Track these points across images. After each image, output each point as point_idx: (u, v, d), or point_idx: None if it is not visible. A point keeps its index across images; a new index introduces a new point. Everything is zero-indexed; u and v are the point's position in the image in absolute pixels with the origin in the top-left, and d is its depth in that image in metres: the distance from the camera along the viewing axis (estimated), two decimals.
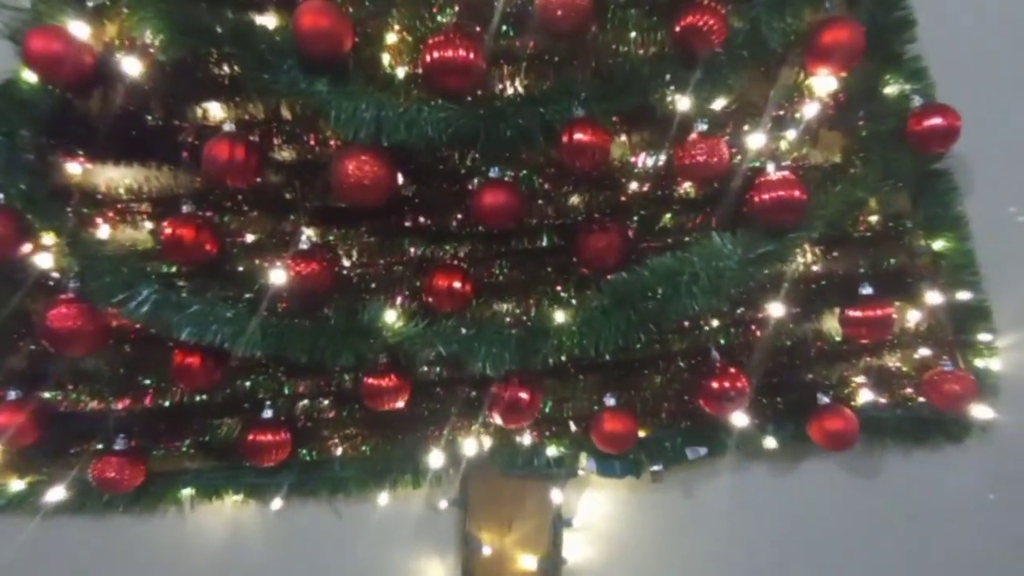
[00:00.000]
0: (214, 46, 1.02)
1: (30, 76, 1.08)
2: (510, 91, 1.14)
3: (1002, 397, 1.35)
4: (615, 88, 1.07)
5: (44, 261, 1.15)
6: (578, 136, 1.07)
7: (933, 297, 1.28)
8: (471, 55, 1.05)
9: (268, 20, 1.11)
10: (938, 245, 1.29)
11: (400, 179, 1.16)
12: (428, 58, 1.05)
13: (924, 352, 1.32)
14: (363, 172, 1.07)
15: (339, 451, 1.31)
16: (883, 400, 1.34)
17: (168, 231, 1.11)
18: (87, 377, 1.24)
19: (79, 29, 1.06)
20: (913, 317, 1.32)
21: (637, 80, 1.07)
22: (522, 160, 1.16)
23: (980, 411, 1.32)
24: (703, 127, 1.12)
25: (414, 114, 1.04)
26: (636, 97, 1.07)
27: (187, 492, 1.33)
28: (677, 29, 1.07)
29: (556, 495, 1.36)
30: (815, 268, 1.28)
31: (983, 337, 1.31)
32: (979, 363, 1.32)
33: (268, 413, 1.24)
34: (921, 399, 1.33)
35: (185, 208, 1.14)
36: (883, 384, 1.34)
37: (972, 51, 1.34)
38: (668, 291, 1.13)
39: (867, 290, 1.24)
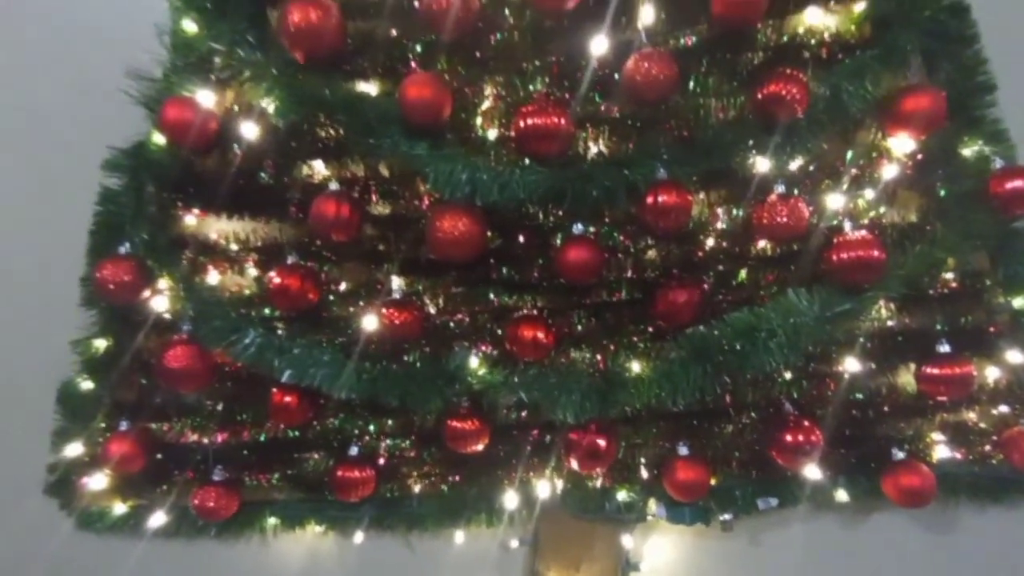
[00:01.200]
0: (325, 113, 1.12)
1: (159, 139, 1.20)
2: (595, 152, 1.21)
3: None
4: (697, 152, 1.12)
5: (161, 304, 1.26)
6: (662, 198, 1.12)
7: (1014, 356, 1.28)
8: (561, 121, 1.12)
9: (371, 87, 1.21)
10: (1019, 303, 1.29)
11: (488, 234, 1.24)
12: (521, 124, 1.12)
13: (1003, 409, 1.32)
14: (457, 229, 1.14)
15: (418, 489, 1.37)
16: (959, 456, 1.34)
17: (277, 280, 1.21)
18: (190, 411, 1.34)
19: (205, 97, 1.17)
20: (992, 374, 1.31)
21: (719, 145, 1.12)
22: (604, 216, 1.22)
23: None
24: (781, 187, 1.16)
25: (506, 177, 1.11)
26: (718, 161, 1.12)
27: (272, 521, 1.41)
28: (760, 96, 1.11)
29: (625, 539, 1.40)
30: (891, 323, 1.29)
31: None
32: None
33: (354, 451, 1.32)
34: (999, 457, 1.33)
35: (290, 259, 1.23)
36: (960, 440, 1.34)
37: None
38: (746, 346, 1.16)
39: (944, 347, 1.25)
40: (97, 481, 1.33)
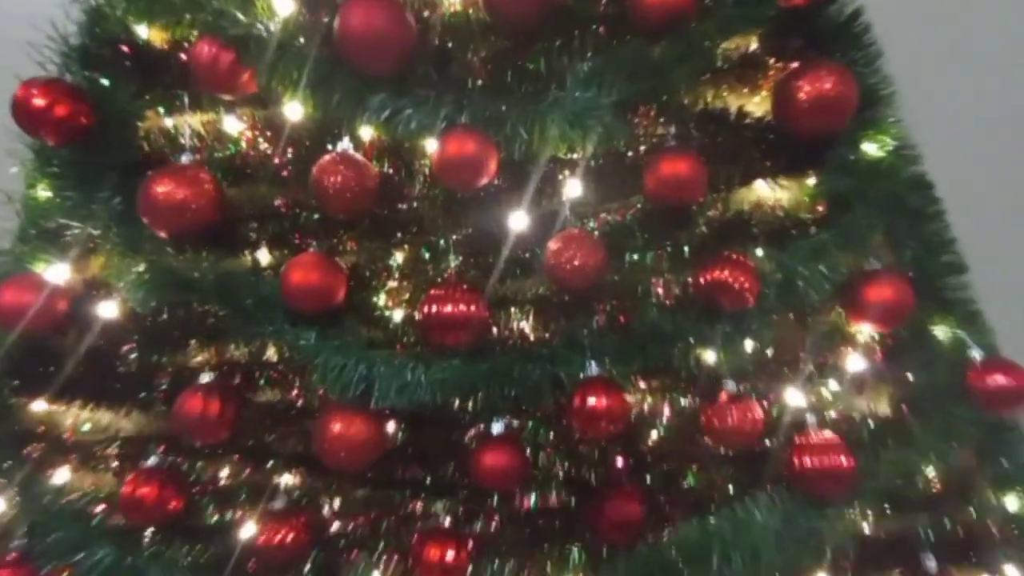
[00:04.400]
0: (195, 298, 0.96)
1: None
2: (515, 337, 1.06)
3: None
4: (634, 343, 0.97)
5: None
6: (591, 400, 0.95)
7: (1012, 570, 1.11)
8: (472, 308, 0.96)
9: (262, 257, 1.06)
10: (1013, 505, 1.13)
11: (391, 428, 1.06)
12: (428, 311, 0.96)
13: None
14: (350, 434, 0.96)
15: None
16: None
17: (128, 489, 0.99)
18: None
19: (58, 272, 1.01)
20: None
21: (659, 335, 0.96)
22: (528, 411, 1.05)
23: None
24: (731, 384, 1.01)
25: (407, 375, 0.94)
26: (657, 354, 0.96)
27: None
28: (703, 281, 0.97)
29: None
30: (865, 530, 1.12)
31: None
32: None
33: None
34: None
35: (153, 459, 1.03)
36: None
37: None
38: (697, 572, 0.98)
39: (930, 562, 1.08)
40: None
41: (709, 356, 1.00)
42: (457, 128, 0.92)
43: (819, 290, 0.98)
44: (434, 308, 0.96)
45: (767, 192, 1.05)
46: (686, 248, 1.02)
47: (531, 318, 1.05)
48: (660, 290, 1.03)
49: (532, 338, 1.05)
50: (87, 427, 1.08)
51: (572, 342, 0.99)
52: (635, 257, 1.02)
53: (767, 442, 1.03)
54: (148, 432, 1.05)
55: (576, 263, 0.94)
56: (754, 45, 1.04)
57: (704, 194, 0.97)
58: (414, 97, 0.94)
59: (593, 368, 0.98)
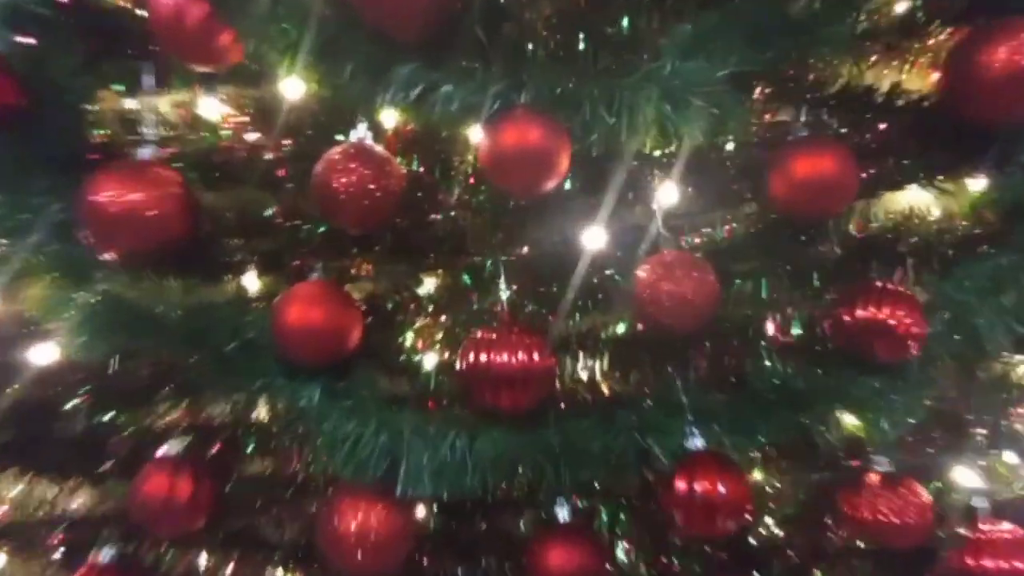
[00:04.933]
0: (160, 344, 0.72)
1: None
2: (584, 386, 0.81)
3: None
4: (752, 407, 0.72)
5: None
6: (700, 487, 0.71)
7: None
8: (533, 357, 0.71)
9: (250, 283, 0.82)
10: None
11: (421, 513, 0.81)
12: (470, 360, 0.72)
13: None
14: (367, 530, 0.71)
15: None
16: None
17: None
18: None
19: None
20: None
21: (786, 396, 0.71)
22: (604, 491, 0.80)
23: None
24: (883, 461, 0.76)
25: (445, 450, 0.70)
26: (787, 421, 0.71)
27: None
28: (845, 319, 0.70)
29: None
30: None
31: None
32: None
33: None
34: None
35: (107, 549, 0.79)
36: None
37: None
38: None
39: None
40: None
41: (849, 419, 0.76)
42: (515, 111, 0.67)
43: (1004, 335, 0.74)
44: (481, 356, 0.71)
45: (920, 198, 0.81)
46: (815, 274, 0.78)
47: (605, 364, 0.82)
48: (773, 329, 0.81)
49: (607, 392, 0.82)
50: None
51: (666, 401, 0.75)
52: (747, 285, 0.78)
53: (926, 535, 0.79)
54: (101, 513, 0.82)
55: (680, 297, 0.69)
56: (904, 3, 0.80)
57: (852, 201, 0.72)
58: (455, 68, 0.69)
59: (696, 439, 0.74)
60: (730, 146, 0.78)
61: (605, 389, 0.80)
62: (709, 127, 0.68)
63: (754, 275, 0.76)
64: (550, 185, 0.69)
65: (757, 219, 0.74)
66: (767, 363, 0.74)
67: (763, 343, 0.76)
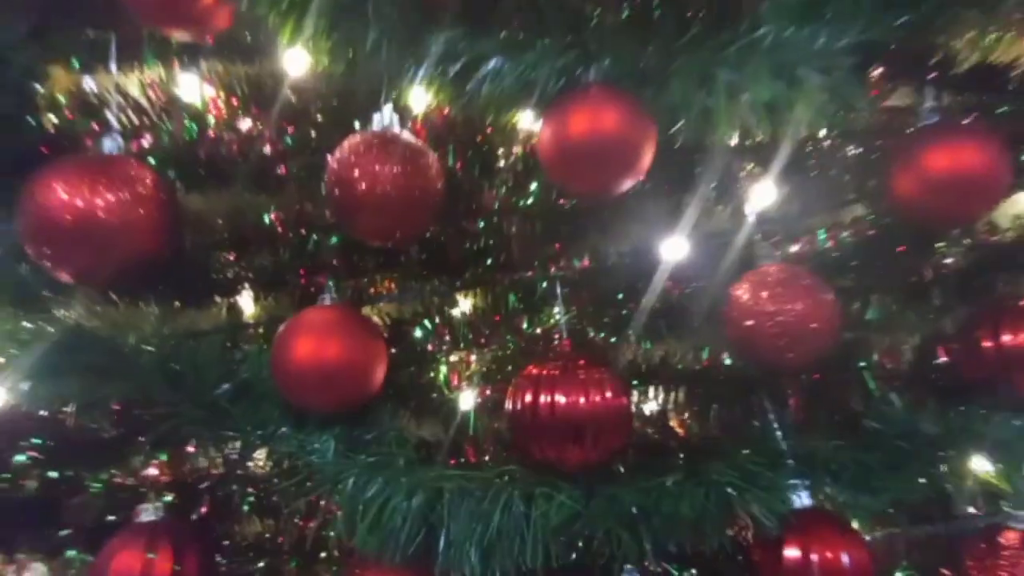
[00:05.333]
0: (129, 389, 0.58)
1: None
2: (653, 426, 0.68)
3: None
4: (874, 458, 0.60)
5: None
6: (816, 558, 0.58)
7: None
8: (607, 397, 0.59)
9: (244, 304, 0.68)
10: None
11: None
12: (524, 401, 0.58)
13: None
14: None
15: None
16: None
17: None
18: None
19: None
20: None
21: (914, 445, 0.59)
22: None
23: None
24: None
25: (495, 518, 0.56)
26: (923, 474, 0.59)
27: None
28: (985, 347, 0.59)
29: None
30: None
31: None
32: None
33: None
34: None
35: None
36: None
37: None
38: None
39: None
40: None
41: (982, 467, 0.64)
42: (587, 90, 0.53)
43: None
44: (541, 397, 0.58)
45: None
46: (935, 290, 0.66)
47: (679, 399, 0.69)
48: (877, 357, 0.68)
49: (680, 432, 0.69)
50: None
51: (764, 447, 0.63)
52: (853, 304, 0.65)
53: None
54: None
55: (791, 324, 0.56)
56: None
57: (1000, 202, 0.60)
58: (507, 37, 0.56)
59: (803, 495, 0.61)
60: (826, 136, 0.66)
61: (679, 429, 0.68)
62: (823, 111, 0.56)
63: (863, 292, 0.65)
64: (627, 184, 0.56)
65: (874, 223, 0.62)
66: (884, 398, 0.63)
67: (872, 374, 0.65)
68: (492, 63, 0.53)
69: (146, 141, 0.60)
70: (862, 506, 0.57)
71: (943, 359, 0.63)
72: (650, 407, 0.66)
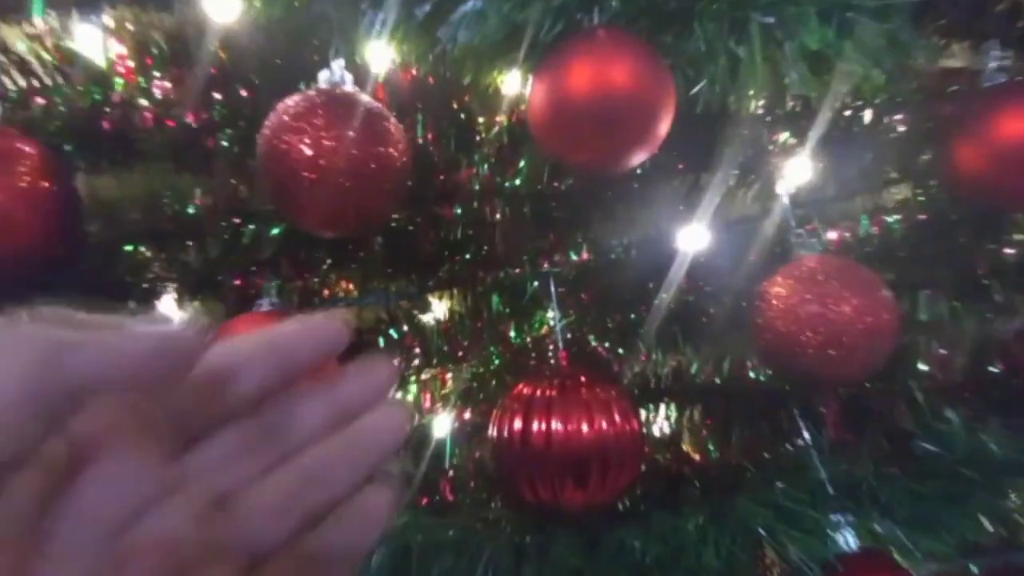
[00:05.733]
0: None
1: None
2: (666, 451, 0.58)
3: None
4: (933, 491, 0.50)
5: None
6: None
7: None
8: (616, 424, 0.48)
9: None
10: None
11: None
12: (512, 430, 0.47)
13: None
14: None
15: None
16: None
17: None
18: None
19: None
20: None
21: (983, 475, 0.50)
22: None
23: None
24: None
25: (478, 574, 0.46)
26: (990, 510, 0.50)
27: None
28: None
29: None
30: None
31: None
32: None
33: None
34: None
35: None
36: None
37: None
38: None
39: None
40: None
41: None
42: (591, 34, 0.43)
43: None
44: (531, 423, 0.48)
45: None
46: (994, 286, 0.57)
47: (695, 417, 0.59)
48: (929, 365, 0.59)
49: (697, 458, 0.59)
50: None
51: (802, 477, 0.52)
52: (902, 303, 0.56)
53: None
54: None
55: (842, 329, 0.46)
56: None
57: None
58: None
59: (847, 535, 0.51)
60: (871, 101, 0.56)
61: (694, 454, 0.58)
62: (887, 64, 0.46)
63: (910, 289, 0.56)
64: (639, 156, 0.45)
65: (928, 207, 0.52)
66: (938, 414, 0.54)
67: (921, 384, 0.56)
68: (470, 3, 0.44)
69: (35, 108, 0.49)
70: (921, 548, 0.49)
71: (1002, 367, 0.55)
72: (660, 427, 0.57)
